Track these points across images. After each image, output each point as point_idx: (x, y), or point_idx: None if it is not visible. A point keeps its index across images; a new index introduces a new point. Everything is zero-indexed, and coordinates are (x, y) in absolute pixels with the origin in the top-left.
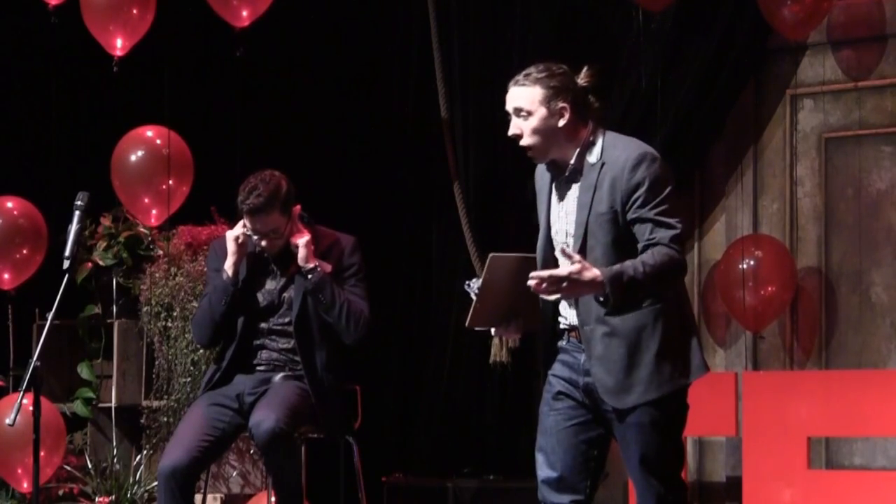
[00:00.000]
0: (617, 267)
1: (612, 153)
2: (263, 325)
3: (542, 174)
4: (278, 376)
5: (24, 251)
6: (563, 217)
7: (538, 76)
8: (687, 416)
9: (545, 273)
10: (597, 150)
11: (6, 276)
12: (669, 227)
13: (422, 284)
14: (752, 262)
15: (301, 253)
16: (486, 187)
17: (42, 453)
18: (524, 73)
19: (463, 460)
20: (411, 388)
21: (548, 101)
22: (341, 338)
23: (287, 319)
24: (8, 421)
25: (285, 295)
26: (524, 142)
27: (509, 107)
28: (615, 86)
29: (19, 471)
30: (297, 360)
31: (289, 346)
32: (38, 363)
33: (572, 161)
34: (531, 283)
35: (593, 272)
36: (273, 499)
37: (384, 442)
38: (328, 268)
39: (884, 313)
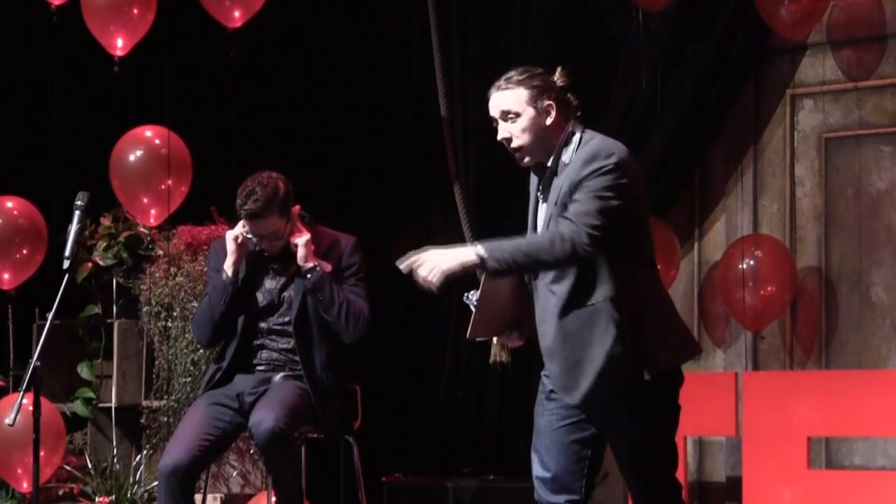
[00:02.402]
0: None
1: (580, 153)
2: (263, 324)
3: (532, 177)
4: (278, 376)
5: (25, 251)
6: (544, 218)
7: (520, 78)
8: (675, 416)
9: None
10: (571, 149)
11: (6, 276)
12: (586, 213)
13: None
14: (752, 262)
15: (300, 252)
16: (486, 187)
17: (42, 453)
18: (504, 77)
19: (463, 460)
20: (411, 388)
21: (534, 101)
22: (341, 337)
23: (287, 319)
24: (8, 421)
25: (285, 294)
26: (514, 144)
27: (494, 112)
28: (615, 86)
29: (19, 471)
30: (297, 360)
31: (289, 345)
32: (38, 363)
33: (549, 163)
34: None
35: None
36: (273, 499)
37: (384, 442)
38: (328, 267)
39: (884, 313)
